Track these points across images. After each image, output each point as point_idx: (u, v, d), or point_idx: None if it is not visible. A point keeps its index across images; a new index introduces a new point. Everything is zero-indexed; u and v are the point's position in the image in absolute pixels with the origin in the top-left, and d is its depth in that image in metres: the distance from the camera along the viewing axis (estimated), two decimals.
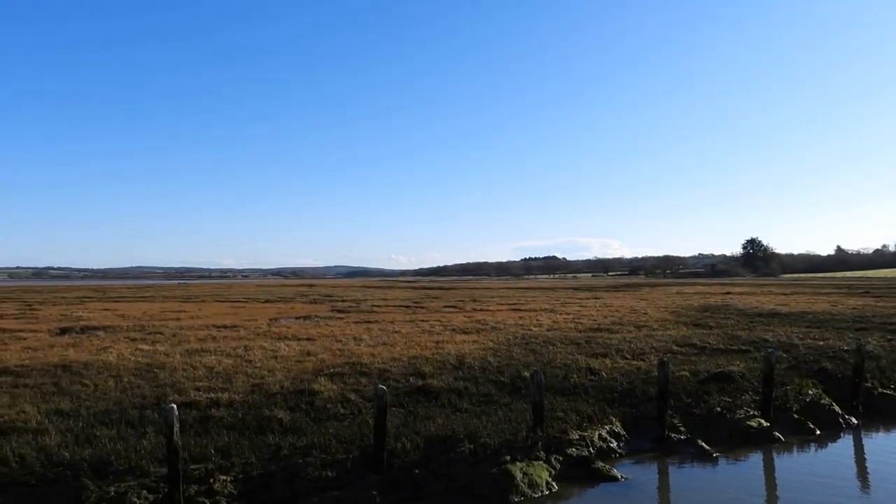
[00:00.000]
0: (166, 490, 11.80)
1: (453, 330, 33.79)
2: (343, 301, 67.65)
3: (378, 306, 56.67)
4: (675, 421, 17.59)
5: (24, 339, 30.69)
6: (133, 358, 23.62)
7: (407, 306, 56.47)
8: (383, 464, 13.22)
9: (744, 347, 26.82)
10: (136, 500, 11.62)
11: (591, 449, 15.47)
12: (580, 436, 15.76)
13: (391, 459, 13.43)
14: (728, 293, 75.63)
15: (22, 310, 54.93)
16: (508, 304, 57.83)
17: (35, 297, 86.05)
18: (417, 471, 13.25)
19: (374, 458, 13.27)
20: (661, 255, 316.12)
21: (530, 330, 33.39)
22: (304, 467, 12.97)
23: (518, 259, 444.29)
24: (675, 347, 26.63)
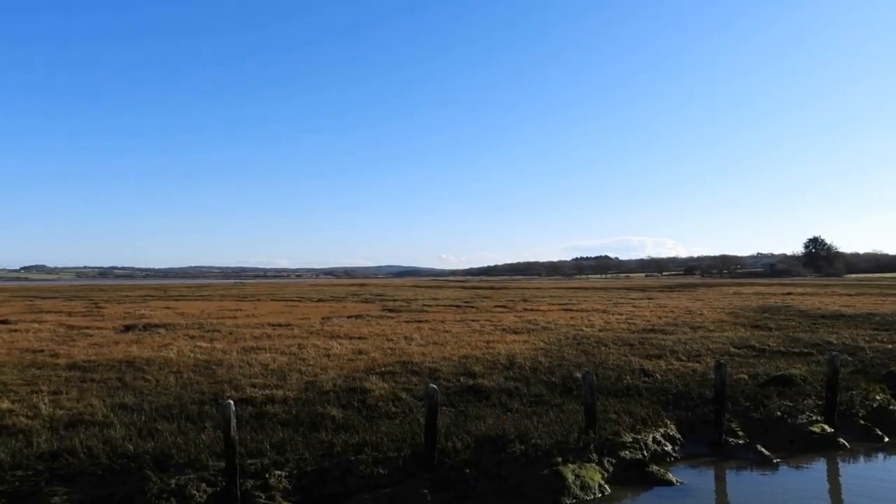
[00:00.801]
0: (224, 484, 12.12)
1: (504, 330, 33.68)
2: (394, 300, 68.21)
3: (428, 306, 56.92)
4: (733, 425, 17.08)
5: (91, 335, 32.06)
6: (192, 355, 24.38)
7: (457, 306, 56.55)
8: (434, 462, 13.27)
9: (806, 350, 25.87)
10: (195, 492, 11.97)
11: (644, 452, 15.18)
12: (633, 438, 15.47)
13: (442, 458, 13.47)
14: (789, 294, 73.03)
15: (89, 308, 57.39)
16: (559, 304, 57.28)
17: (101, 295, 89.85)
18: (468, 470, 13.25)
19: (426, 457, 13.33)
20: (717, 254, 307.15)
21: (582, 330, 33.00)
22: (357, 464, 13.13)
23: (569, 259, 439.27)
24: (733, 349, 25.89)
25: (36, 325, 37.85)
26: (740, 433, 16.83)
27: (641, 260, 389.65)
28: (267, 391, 17.92)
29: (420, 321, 39.93)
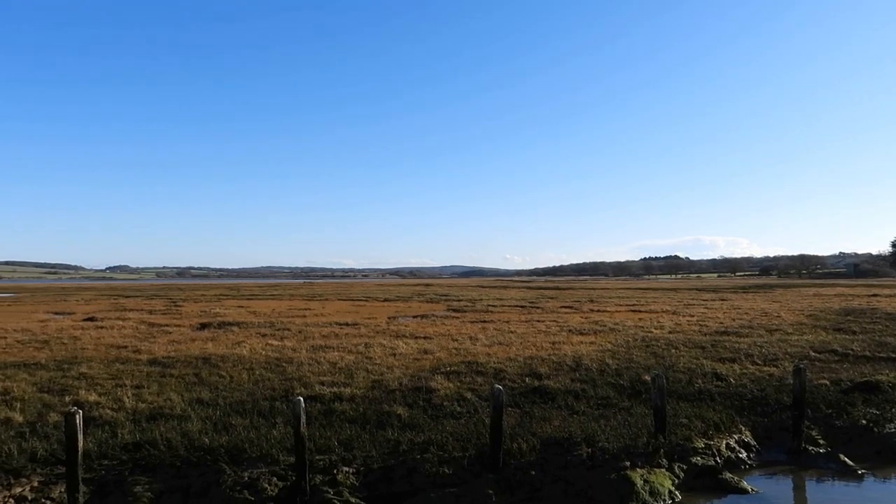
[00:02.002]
0: (294, 478, 12.44)
1: (570, 331, 33.26)
2: (459, 300, 68.39)
3: (493, 306, 56.81)
4: (813, 433, 16.29)
5: (170, 332, 33.54)
6: (264, 352, 25.14)
7: (522, 306, 56.22)
8: (499, 463, 13.22)
9: (894, 355, 24.42)
10: (266, 486, 12.33)
11: (717, 458, 14.66)
12: (706, 444, 14.97)
13: (507, 459, 13.40)
14: (874, 296, 69.06)
15: (168, 306, 60.06)
16: (627, 305, 56.11)
17: (179, 294, 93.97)
18: (534, 472, 13.13)
19: (491, 458, 13.29)
20: (795, 253, 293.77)
21: (651, 332, 32.21)
22: (423, 463, 13.22)
23: (637, 258, 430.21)
24: (813, 353, 24.70)
25: (120, 323, 39.91)
26: (821, 441, 16.02)
27: (713, 260, 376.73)
28: (335, 389, 18.28)
29: (485, 321, 39.91)
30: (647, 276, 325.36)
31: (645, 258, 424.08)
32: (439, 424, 15.32)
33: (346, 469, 12.96)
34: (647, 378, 18.47)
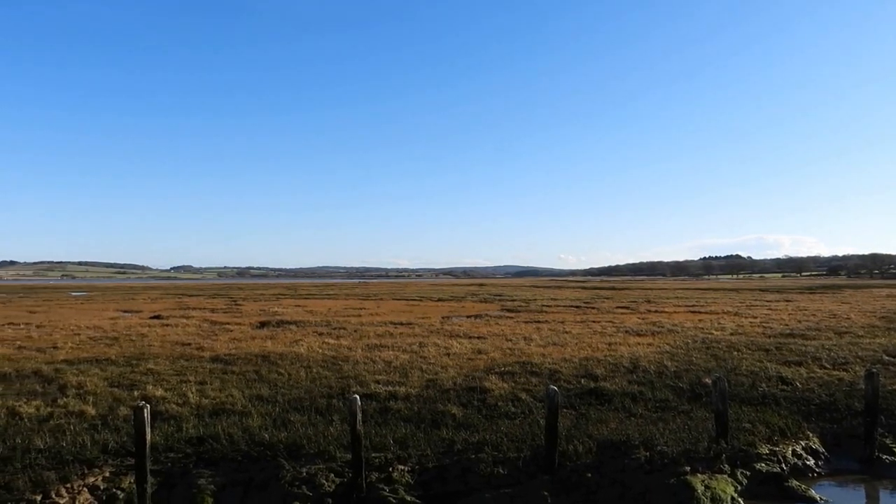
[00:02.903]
0: (350, 475, 12.62)
1: (626, 331, 32.67)
2: (512, 300, 68.07)
3: (548, 306, 56.33)
4: (888, 441, 15.54)
5: (231, 330, 34.52)
6: (320, 351, 25.58)
7: (577, 306, 55.56)
8: (554, 465, 13.10)
9: None
10: (324, 482, 12.55)
11: (783, 465, 14.14)
12: (770, 450, 14.46)
13: (562, 461, 13.27)
14: None
15: (229, 305, 61.84)
16: (686, 306, 54.74)
17: (239, 293, 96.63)
18: (590, 475, 12.96)
19: (546, 459, 13.18)
20: (866, 252, 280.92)
21: (711, 334, 31.32)
22: (477, 463, 13.22)
23: (696, 258, 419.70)
24: (886, 357, 23.53)
25: (184, 321, 41.32)
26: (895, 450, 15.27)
27: (777, 259, 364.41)
28: (390, 387, 18.46)
29: (539, 321, 39.61)
30: (706, 277, 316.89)
31: (704, 258, 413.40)
32: (494, 425, 15.28)
33: (401, 467, 13.07)
34: (708, 381, 17.98)
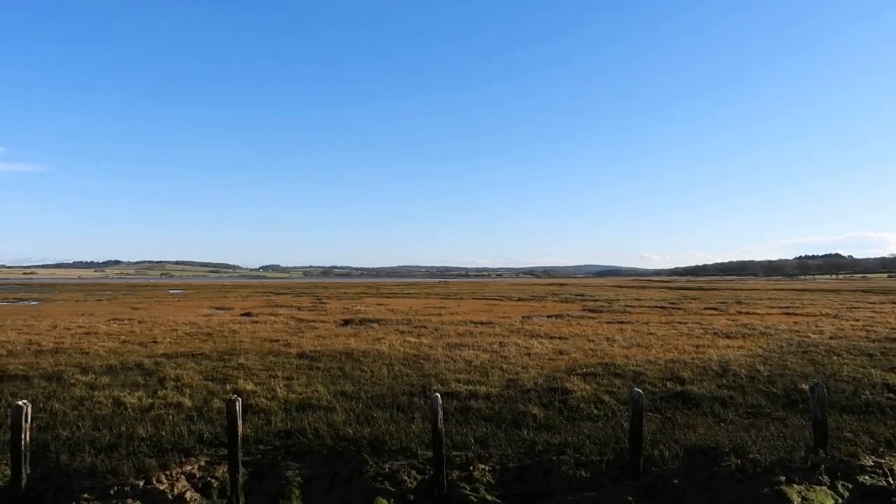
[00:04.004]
0: (431, 472, 12.73)
1: (715, 333, 31.43)
2: (594, 300, 66.88)
3: (631, 306, 55.00)
4: None
5: (316, 328, 35.59)
6: (402, 349, 25.96)
7: (662, 307, 53.94)
8: (639, 470, 12.75)
9: None
10: (406, 478, 12.72)
11: (890, 479, 13.17)
12: (875, 462, 13.51)
13: (647, 466, 12.89)
14: None
15: (314, 303, 63.82)
16: (780, 308, 52.08)
17: (324, 292, 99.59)
18: (676, 481, 12.53)
19: (630, 463, 12.85)
20: None
21: (808, 337, 29.65)
22: (559, 465, 13.04)
23: (791, 257, 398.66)
24: None
25: (272, 318, 42.94)
26: None
27: (882, 258, 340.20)
28: (470, 387, 18.50)
29: (622, 322, 38.71)
30: (802, 277, 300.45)
31: (800, 257, 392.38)
32: (576, 426, 15.04)
33: (482, 466, 13.07)
34: (805, 387, 17.06)
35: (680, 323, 37.65)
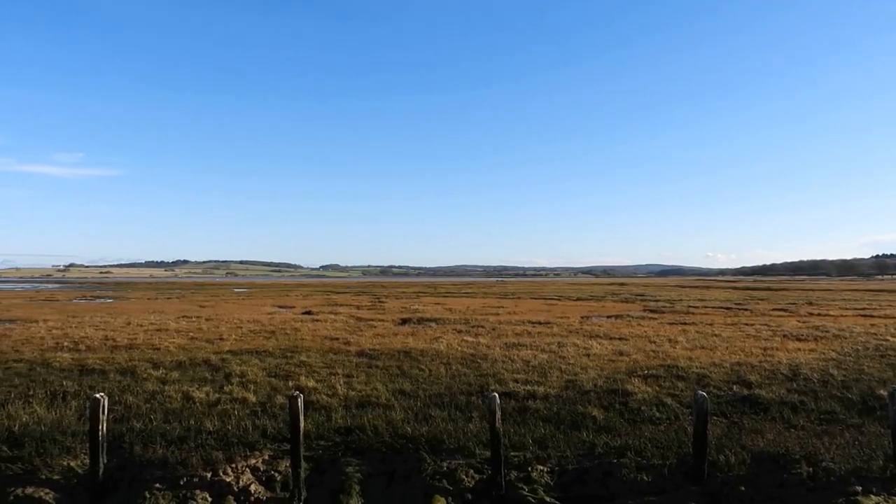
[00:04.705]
0: (489, 472, 12.71)
1: (784, 336, 30.26)
2: (656, 301, 65.44)
3: (694, 307, 53.55)
4: None
5: (375, 327, 36.04)
6: (459, 348, 26.01)
7: (727, 308, 52.30)
8: (704, 475, 12.39)
9: None
10: (464, 477, 12.73)
11: None
12: None
13: (712, 472, 12.51)
14: None
15: (373, 302, 64.66)
16: (855, 309, 49.70)
17: (382, 291, 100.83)
18: (743, 488, 12.11)
19: (694, 468, 12.51)
20: None
21: (886, 340, 28.19)
22: (619, 468, 12.81)
23: (866, 256, 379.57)
24: None
25: (332, 317, 43.73)
26: None
27: None
28: (528, 387, 18.37)
29: (685, 323, 37.73)
30: (879, 277, 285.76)
31: (877, 255, 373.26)
32: (637, 429, 14.74)
33: (540, 467, 12.97)
34: (883, 393, 16.24)
35: (746, 324, 36.42)
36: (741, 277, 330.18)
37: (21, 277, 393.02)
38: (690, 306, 54.61)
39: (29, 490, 12.65)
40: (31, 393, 17.93)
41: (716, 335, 30.50)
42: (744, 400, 17.01)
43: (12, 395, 17.64)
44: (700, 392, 13.15)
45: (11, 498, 12.49)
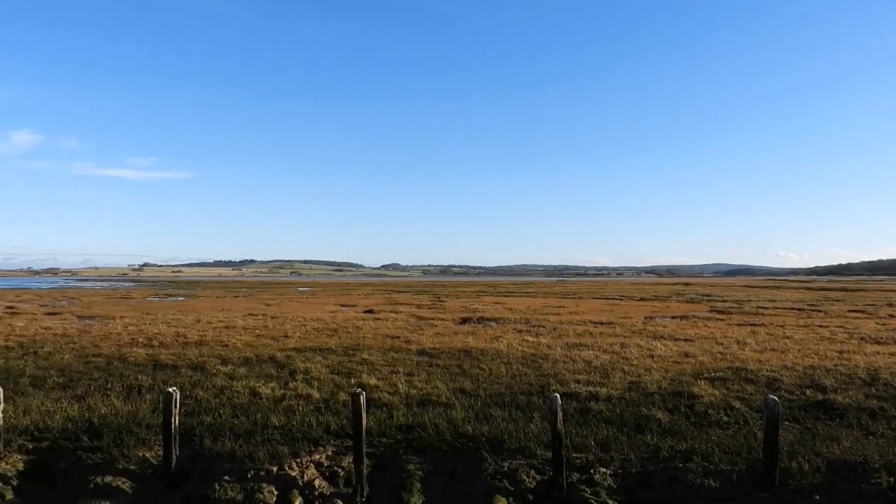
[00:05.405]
0: (551, 473, 12.60)
1: (862, 338, 28.82)
2: (723, 301, 63.46)
3: (764, 308, 51.63)
4: None
5: (435, 326, 36.24)
6: (520, 348, 25.87)
7: (800, 309, 50.21)
8: (775, 482, 11.94)
9: None
10: (525, 478, 12.67)
11: None
12: None
13: (784, 479, 12.04)
14: None
15: (433, 301, 65.06)
16: None
17: (442, 290, 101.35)
18: (817, 497, 11.61)
19: (764, 475, 12.06)
20: None
21: None
22: (685, 472, 12.49)
23: None
24: None
25: (393, 315, 44.22)
26: None
27: None
28: (590, 388, 18.11)
29: (755, 324, 36.42)
30: None
31: None
32: (703, 433, 14.31)
33: (602, 470, 12.78)
34: None
35: (820, 326, 34.85)
36: (815, 277, 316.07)
37: (99, 276, 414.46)
38: (760, 307, 52.68)
39: (108, 479, 13.32)
40: (109, 386, 18.86)
41: (787, 337, 29.34)
42: (818, 405, 16.28)
43: (92, 388, 18.60)
44: (771, 396, 12.68)
45: (92, 486, 13.18)
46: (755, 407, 15.68)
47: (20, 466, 13.86)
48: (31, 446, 14.48)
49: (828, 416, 15.53)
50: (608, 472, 12.72)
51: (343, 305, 59.97)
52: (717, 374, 19.61)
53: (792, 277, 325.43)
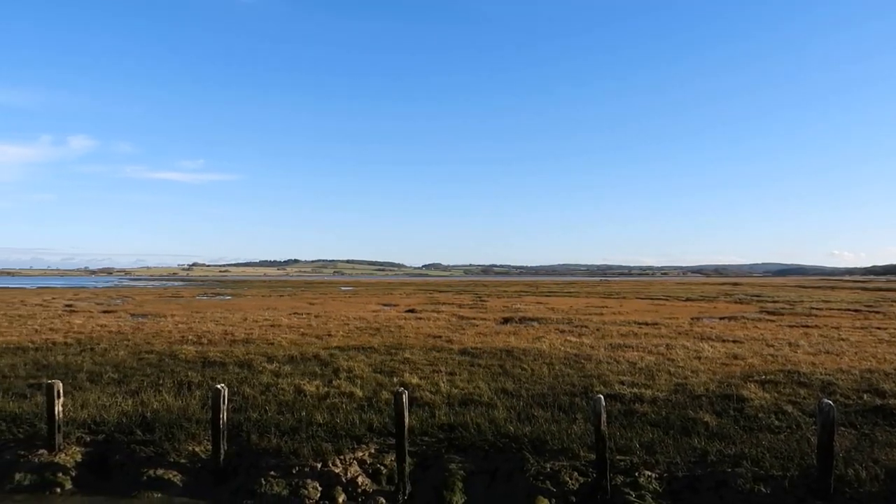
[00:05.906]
0: (594, 475, 12.43)
1: None
2: (774, 301, 61.72)
3: (818, 309, 50.00)
4: None
5: (477, 325, 36.19)
6: (562, 348, 25.62)
7: (856, 310, 48.43)
8: (829, 490, 11.52)
9: None
10: (567, 479, 12.53)
11: None
12: None
13: (839, 486, 11.61)
14: None
15: (474, 301, 65.02)
16: None
17: (483, 290, 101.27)
18: None
19: (819, 482, 11.65)
20: None
21: None
22: (734, 477, 12.16)
23: None
24: None
25: (435, 315, 44.33)
26: None
27: None
28: (635, 389, 17.81)
29: (807, 326, 35.29)
30: None
31: None
32: (753, 437, 13.92)
33: (648, 473, 12.55)
34: None
35: (878, 328, 33.55)
36: (871, 277, 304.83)
37: (151, 276, 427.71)
38: (813, 308, 51.04)
39: (160, 471, 13.71)
40: (160, 382, 19.41)
41: (843, 339, 28.33)
42: (876, 410, 15.66)
43: (145, 384, 19.17)
44: (825, 400, 12.24)
45: (144, 478, 13.59)
46: (808, 411, 15.18)
47: (78, 458, 14.40)
48: (88, 439, 15.03)
49: (887, 421, 14.92)
50: (653, 475, 12.49)
51: (385, 305, 60.41)
52: (768, 377, 19.07)
53: (847, 277, 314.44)
